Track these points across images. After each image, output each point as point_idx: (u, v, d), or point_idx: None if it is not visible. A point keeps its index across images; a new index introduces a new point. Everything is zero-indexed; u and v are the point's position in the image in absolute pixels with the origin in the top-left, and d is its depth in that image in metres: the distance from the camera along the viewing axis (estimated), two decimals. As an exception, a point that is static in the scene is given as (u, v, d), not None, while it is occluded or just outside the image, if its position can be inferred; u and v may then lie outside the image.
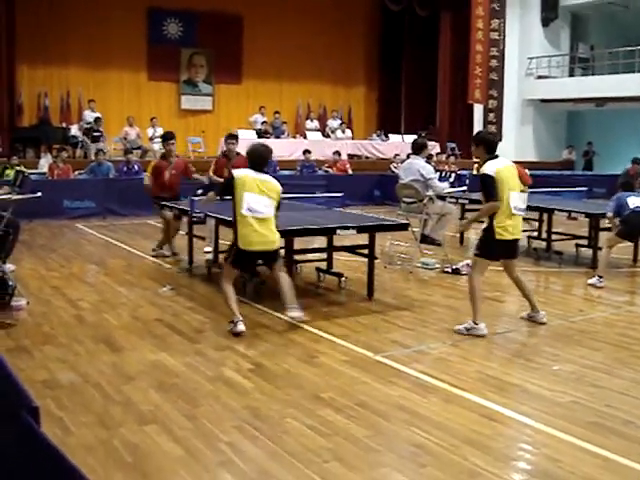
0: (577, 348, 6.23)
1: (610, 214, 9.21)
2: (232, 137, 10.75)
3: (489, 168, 6.52)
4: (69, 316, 7.10)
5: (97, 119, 19.49)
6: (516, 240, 6.73)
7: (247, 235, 6.45)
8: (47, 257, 10.36)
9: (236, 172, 6.68)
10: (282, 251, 7.11)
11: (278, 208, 6.66)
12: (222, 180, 10.07)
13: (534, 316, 7.01)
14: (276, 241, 6.61)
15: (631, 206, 9.03)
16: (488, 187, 6.49)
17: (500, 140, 11.44)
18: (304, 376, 5.41)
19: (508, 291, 8.03)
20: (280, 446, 4.18)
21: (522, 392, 5.15)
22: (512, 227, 6.55)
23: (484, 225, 6.65)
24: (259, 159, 6.74)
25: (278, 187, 6.67)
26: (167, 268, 9.70)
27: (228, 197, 6.68)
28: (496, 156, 6.67)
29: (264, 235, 6.47)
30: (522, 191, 6.85)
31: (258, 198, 6.46)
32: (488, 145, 6.72)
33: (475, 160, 21.41)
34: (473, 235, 12.87)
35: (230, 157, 10.46)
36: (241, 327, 6.42)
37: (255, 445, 4.19)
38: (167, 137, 10.70)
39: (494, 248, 6.62)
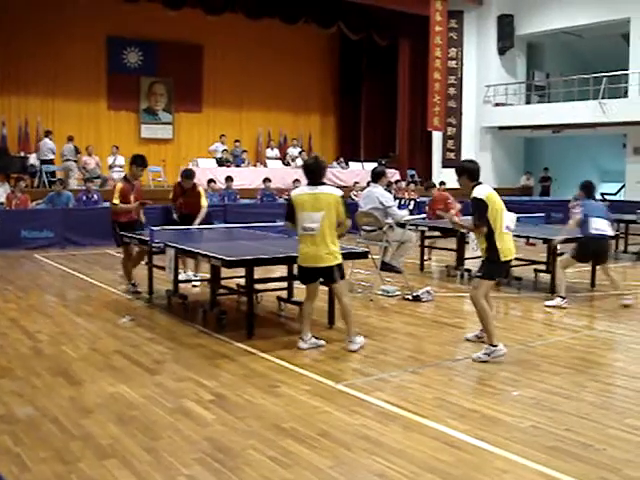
0: (536, 373, 6.28)
1: (579, 217, 9.37)
2: (187, 177, 10.71)
3: (480, 192, 6.65)
4: (26, 348, 6.99)
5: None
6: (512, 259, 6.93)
7: (301, 251, 6.86)
8: (4, 288, 10.21)
9: (293, 192, 7.06)
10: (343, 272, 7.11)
11: (344, 215, 6.86)
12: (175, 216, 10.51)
13: (483, 337, 7.06)
14: (330, 259, 6.79)
15: (593, 229, 9.14)
16: (480, 210, 6.61)
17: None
18: (265, 406, 5.38)
19: (468, 317, 8.08)
20: (241, 478, 4.14)
21: (482, 418, 5.16)
22: (511, 248, 6.78)
23: (483, 247, 6.73)
24: (312, 173, 6.96)
25: (334, 196, 6.86)
26: (127, 299, 9.60)
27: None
28: (480, 182, 6.80)
29: (315, 252, 6.76)
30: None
31: (310, 215, 6.75)
32: (470, 173, 6.84)
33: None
34: (434, 263, 12.98)
35: (185, 188, 10.64)
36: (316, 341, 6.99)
37: (216, 477, 4.15)
38: (143, 163, 10.10)
39: (500, 269, 6.82)
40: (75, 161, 19.61)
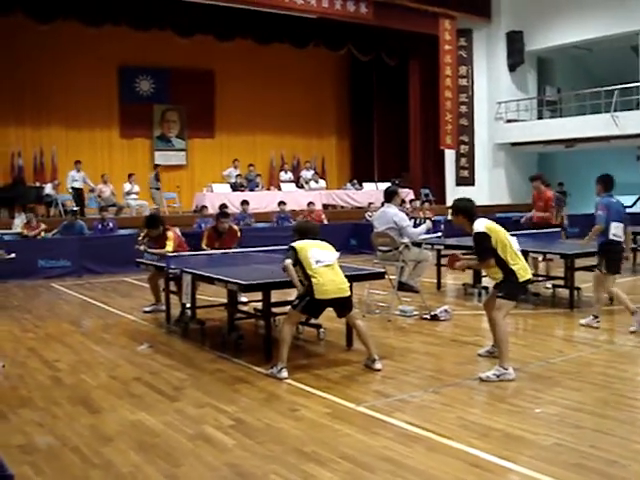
0: (558, 389, 6.22)
1: (602, 224, 8.64)
2: (224, 215, 11.04)
3: (479, 226, 6.64)
4: (46, 378, 7.00)
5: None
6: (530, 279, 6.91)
7: (321, 285, 6.77)
8: (22, 318, 10.25)
9: (294, 243, 7.01)
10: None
11: None
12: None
13: (495, 351, 7.02)
14: (348, 289, 6.98)
15: (612, 235, 8.58)
16: (482, 244, 6.62)
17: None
18: (286, 430, 5.35)
19: (487, 335, 8.01)
20: (264, 503, 4.12)
21: (505, 437, 5.11)
22: (527, 268, 6.80)
23: (498, 274, 6.69)
24: (308, 233, 7.21)
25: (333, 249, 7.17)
26: (144, 326, 9.61)
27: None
28: (477, 216, 6.79)
29: (336, 282, 6.89)
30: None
31: (321, 252, 6.96)
32: (467, 213, 6.83)
33: (449, 206, 21.64)
34: (450, 281, 12.93)
35: (220, 231, 10.79)
36: (285, 374, 6.73)
37: (238, 503, 4.13)
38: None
39: (519, 289, 6.79)
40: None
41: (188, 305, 9.00)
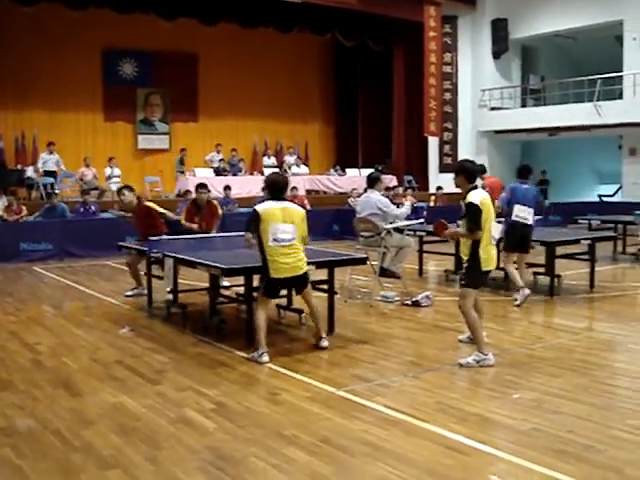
0: (537, 375, 6.28)
1: (501, 205, 9.73)
2: (203, 187, 10.97)
3: (475, 197, 6.60)
4: (26, 360, 6.99)
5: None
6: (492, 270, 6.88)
7: (275, 263, 6.75)
8: (3, 301, 10.21)
9: (258, 207, 6.90)
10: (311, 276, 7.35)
11: (306, 231, 7.00)
12: (195, 226, 10.47)
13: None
14: (303, 266, 6.93)
15: (514, 215, 9.43)
16: (474, 216, 6.56)
17: (485, 171, 11.62)
18: (266, 414, 5.38)
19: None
20: (244, 486, 4.14)
21: (484, 421, 5.16)
22: (494, 258, 6.74)
23: (466, 255, 6.69)
24: (276, 188, 7.01)
25: (300, 212, 6.99)
26: (126, 309, 9.61)
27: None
28: (476, 186, 6.77)
29: (291, 262, 6.81)
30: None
31: (283, 227, 6.77)
32: (468, 173, 6.78)
33: (432, 193, 21.73)
34: (432, 267, 12.99)
35: (200, 205, 10.76)
36: (266, 358, 6.72)
37: (218, 486, 4.16)
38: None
39: (481, 277, 6.75)
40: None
41: (170, 289, 9.02)
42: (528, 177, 10.13)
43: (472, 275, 6.70)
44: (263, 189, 18.41)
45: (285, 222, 6.80)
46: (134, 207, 10.46)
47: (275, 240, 6.74)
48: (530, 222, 9.70)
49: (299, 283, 7.08)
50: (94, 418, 5.31)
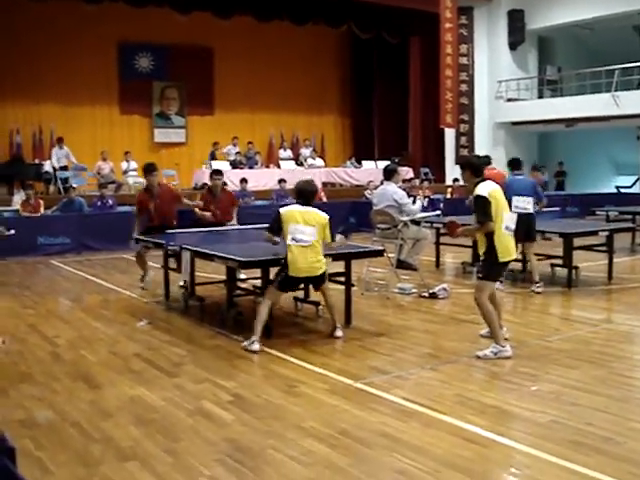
0: (555, 367, 6.26)
1: None
2: (217, 173, 10.89)
3: (482, 190, 6.58)
4: (46, 354, 7.03)
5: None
6: (511, 260, 6.88)
7: (294, 262, 6.94)
8: (21, 294, 10.27)
9: (282, 209, 7.16)
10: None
11: (329, 237, 7.23)
12: (208, 214, 10.34)
13: None
14: (322, 267, 7.13)
15: (514, 207, 9.27)
16: (483, 208, 6.55)
17: (489, 163, 11.62)
18: (284, 406, 5.39)
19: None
20: (262, 478, 4.15)
21: (502, 413, 5.16)
22: (511, 248, 6.71)
23: (483, 248, 6.68)
24: (303, 195, 7.24)
25: (322, 217, 7.16)
26: (143, 302, 9.64)
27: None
28: (484, 179, 6.75)
29: (309, 262, 6.99)
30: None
31: (302, 228, 6.96)
32: (474, 168, 6.80)
33: (448, 185, 21.67)
34: (449, 259, 12.96)
35: (215, 193, 10.62)
36: (257, 346, 6.86)
37: (237, 478, 4.16)
38: (148, 169, 10.43)
39: (499, 269, 6.76)
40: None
41: (184, 282, 9.07)
42: (521, 168, 10.46)
43: (489, 267, 6.68)
44: (279, 182, 18.51)
45: (306, 224, 6.99)
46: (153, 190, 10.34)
47: (294, 239, 6.94)
48: (531, 210, 9.80)
49: (316, 281, 7.32)
50: (113, 410, 5.34)
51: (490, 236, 6.57)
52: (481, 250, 6.73)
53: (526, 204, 9.75)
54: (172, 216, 10.36)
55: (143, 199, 10.35)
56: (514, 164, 10.49)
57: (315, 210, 7.17)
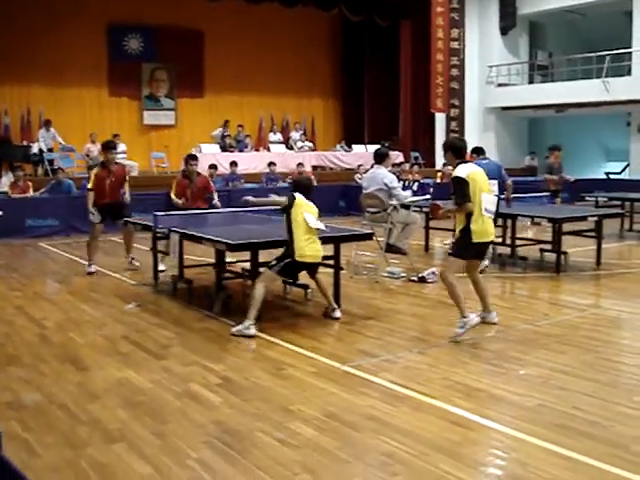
0: (543, 352, 6.27)
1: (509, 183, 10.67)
2: (193, 158, 10.88)
3: (461, 171, 6.63)
4: (33, 336, 7.01)
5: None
6: (490, 242, 6.92)
7: (304, 248, 7.03)
8: (9, 277, 10.23)
9: (296, 194, 7.20)
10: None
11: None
12: (181, 202, 10.29)
13: (486, 316, 7.11)
14: (321, 254, 7.29)
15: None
16: (461, 189, 6.58)
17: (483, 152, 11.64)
18: (272, 389, 5.39)
19: (473, 297, 8.05)
20: (250, 460, 4.15)
21: (489, 397, 5.17)
22: (487, 230, 6.70)
23: (459, 227, 6.70)
24: (306, 189, 7.36)
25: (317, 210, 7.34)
26: (132, 285, 9.61)
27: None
28: (466, 161, 6.83)
29: (315, 248, 7.14)
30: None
31: (311, 217, 7.12)
32: (456, 150, 6.86)
33: (438, 169, 21.65)
34: (438, 244, 12.96)
35: (191, 178, 10.57)
36: (254, 330, 6.82)
37: (225, 460, 4.16)
38: (109, 146, 10.74)
39: (469, 249, 6.73)
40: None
41: (167, 266, 9.10)
42: (484, 153, 11.00)
43: (461, 246, 6.74)
44: (269, 165, 18.46)
45: (313, 215, 7.18)
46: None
47: (314, 225, 7.11)
48: (496, 193, 9.85)
49: (316, 268, 7.41)
50: (100, 392, 5.33)
51: (468, 217, 6.60)
52: (457, 228, 6.77)
53: (492, 187, 9.84)
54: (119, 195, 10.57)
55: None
56: (478, 151, 10.85)
57: (313, 204, 7.34)
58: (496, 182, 10.02)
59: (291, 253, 7.03)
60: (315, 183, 18.47)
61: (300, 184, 7.47)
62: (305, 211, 7.09)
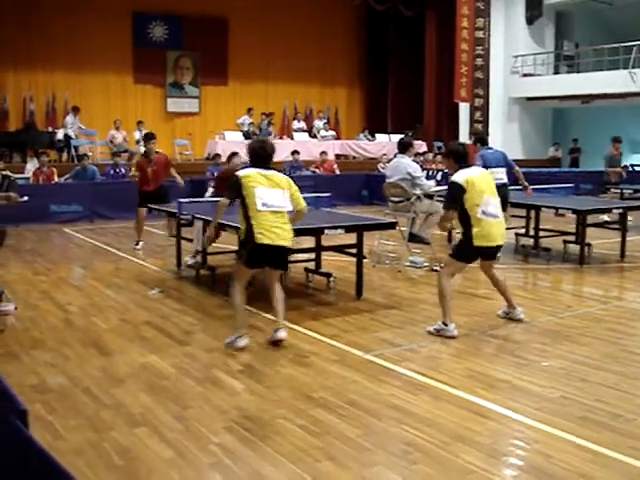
0: (566, 344, 6.25)
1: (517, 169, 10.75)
2: (151, 137, 11.25)
3: (458, 176, 6.47)
4: (58, 320, 7.07)
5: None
6: (498, 246, 6.67)
7: (263, 230, 5.96)
8: (34, 261, 10.32)
9: (240, 172, 6.17)
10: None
11: (300, 197, 6.34)
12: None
13: (511, 312, 7.02)
14: (289, 237, 6.13)
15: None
16: (449, 194, 6.53)
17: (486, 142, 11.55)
18: (294, 376, 5.41)
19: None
20: (271, 446, 4.17)
21: (512, 388, 5.16)
22: (491, 233, 6.48)
23: (458, 229, 6.67)
24: (260, 156, 6.23)
25: (286, 178, 6.30)
26: (155, 270, 9.66)
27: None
28: (469, 165, 6.66)
29: (280, 229, 6.04)
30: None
31: (270, 192, 6.05)
32: (457, 156, 6.67)
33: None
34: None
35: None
36: (244, 342, 6.08)
37: (246, 446, 4.19)
38: (149, 137, 11.31)
39: (469, 253, 6.60)
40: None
41: (197, 251, 9.11)
42: (488, 142, 11.14)
43: (461, 248, 6.64)
44: (292, 153, 18.44)
45: (272, 187, 6.09)
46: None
47: (264, 205, 5.98)
48: (505, 181, 10.19)
49: (282, 257, 6.25)
50: (123, 377, 5.37)
51: (466, 220, 6.44)
52: (458, 229, 6.72)
53: (501, 174, 10.10)
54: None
55: (140, 162, 11.30)
56: (482, 141, 10.97)
57: (276, 172, 6.25)
58: (504, 170, 10.26)
59: (250, 236, 6.01)
60: (337, 172, 18.67)
61: (252, 154, 6.24)
62: (258, 184, 6.03)
